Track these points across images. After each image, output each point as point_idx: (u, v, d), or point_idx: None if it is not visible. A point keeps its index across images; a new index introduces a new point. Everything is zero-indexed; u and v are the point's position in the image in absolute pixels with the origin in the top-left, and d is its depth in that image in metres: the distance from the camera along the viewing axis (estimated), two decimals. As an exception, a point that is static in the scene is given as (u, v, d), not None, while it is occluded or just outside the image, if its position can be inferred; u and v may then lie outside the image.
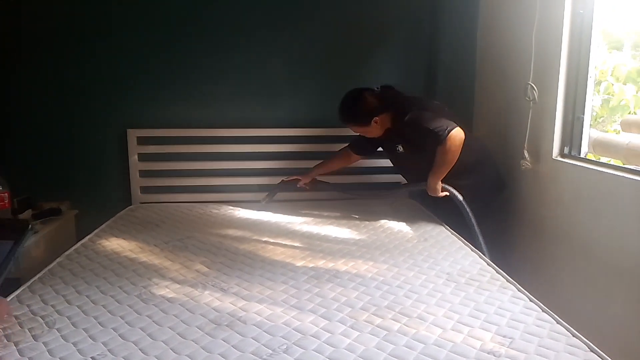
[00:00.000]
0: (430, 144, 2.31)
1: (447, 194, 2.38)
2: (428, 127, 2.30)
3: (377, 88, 2.46)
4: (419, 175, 2.50)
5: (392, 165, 2.80)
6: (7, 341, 1.34)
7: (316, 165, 2.80)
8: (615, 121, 2.73)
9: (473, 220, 2.36)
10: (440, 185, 2.37)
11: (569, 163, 2.15)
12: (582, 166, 2.07)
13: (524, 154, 2.34)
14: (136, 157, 2.94)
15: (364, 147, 2.71)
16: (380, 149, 2.71)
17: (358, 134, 2.57)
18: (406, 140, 2.45)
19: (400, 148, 2.50)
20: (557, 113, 2.19)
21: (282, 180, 2.85)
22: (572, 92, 2.18)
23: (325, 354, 1.28)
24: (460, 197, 2.37)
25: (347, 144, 2.76)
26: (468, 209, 2.37)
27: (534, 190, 2.39)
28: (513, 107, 2.53)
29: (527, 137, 2.34)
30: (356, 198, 2.96)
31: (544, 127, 2.28)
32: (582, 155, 2.18)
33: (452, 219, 2.47)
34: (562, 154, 2.23)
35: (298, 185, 2.81)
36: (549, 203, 2.28)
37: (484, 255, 2.36)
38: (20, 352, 1.29)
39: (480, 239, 2.35)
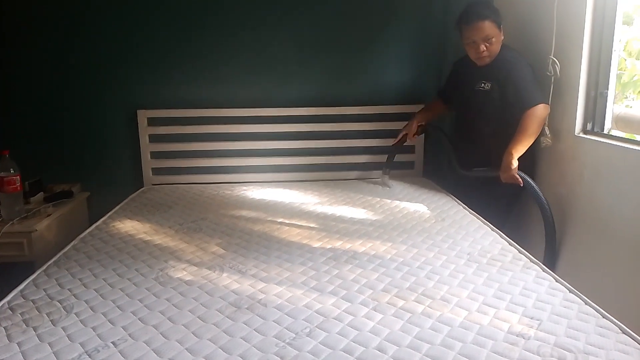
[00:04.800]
0: (519, 99, 2.22)
1: (519, 179, 2.20)
2: (528, 82, 2.24)
3: None
4: (484, 125, 2.42)
5: (457, 112, 2.69)
6: (26, 326, 1.32)
7: (417, 112, 2.76)
8: (627, 97, 2.67)
9: (550, 212, 2.21)
10: (516, 163, 2.19)
11: (592, 139, 2.09)
12: (605, 142, 2.01)
13: (544, 130, 2.27)
14: (147, 138, 2.90)
15: (448, 94, 2.66)
16: None
17: (485, 38, 2.27)
18: (499, 79, 2.30)
19: (487, 85, 2.34)
20: (580, 88, 2.12)
21: (393, 144, 2.79)
22: (595, 66, 2.11)
23: (350, 337, 1.25)
24: (535, 185, 2.22)
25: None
26: (545, 201, 2.21)
27: (554, 168, 2.34)
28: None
29: (550, 113, 2.27)
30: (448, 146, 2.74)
31: (566, 102, 2.21)
32: (604, 132, 2.12)
33: (481, 203, 2.38)
34: (584, 131, 2.17)
35: (410, 140, 2.75)
36: (568, 181, 2.22)
37: (553, 251, 2.26)
38: (39, 337, 1.27)
39: (555, 235, 2.24)
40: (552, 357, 1.16)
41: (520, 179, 2.20)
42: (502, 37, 2.31)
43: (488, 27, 2.26)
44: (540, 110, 2.20)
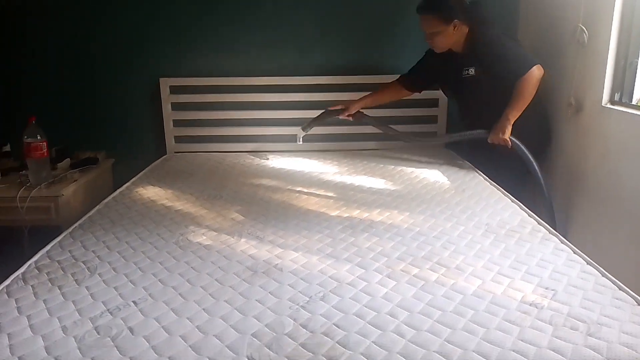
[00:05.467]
0: (510, 72, 2.19)
1: (509, 143, 2.23)
2: (512, 53, 2.21)
3: (467, 1, 2.26)
4: (482, 109, 2.37)
5: (448, 97, 2.63)
6: (52, 285, 1.38)
7: (364, 96, 2.63)
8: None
9: (540, 177, 2.26)
10: (510, 128, 2.21)
11: (619, 110, 2.02)
12: (634, 113, 1.94)
13: (571, 100, 2.21)
14: (170, 106, 2.93)
15: (416, 80, 2.57)
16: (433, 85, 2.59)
17: (429, 32, 2.29)
18: (482, 62, 2.26)
19: (471, 71, 2.30)
20: (609, 57, 2.05)
21: (327, 109, 2.66)
22: (626, 34, 2.03)
23: (362, 302, 1.27)
24: (525, 151, 2.24)
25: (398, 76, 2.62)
26: (535, 165, 2.26)
27: (578, 140, 2.28)
28: (560, 51, 2.38)
29: (575, 83, 2.21)
30: (398, 139, 2.78)
31: (593, 72, 2.14)
32: (633, 103, 2.05)
33: (496, 172, 2.37)
34: (612, 101, 2.10)
35: (341, 117, 2.62)
36: (593, 154, 2.17)
37: (552, 214, 2.30)
38: (64, 295, 1.32)
39: (548, 196, 2.27)
40: (565, 327, 1.15)
41: (510, 142, 2.22)
42: (454, 29, 2.24)
43: (430, 20, 2.25)
44: (534, 73, 2.17)
